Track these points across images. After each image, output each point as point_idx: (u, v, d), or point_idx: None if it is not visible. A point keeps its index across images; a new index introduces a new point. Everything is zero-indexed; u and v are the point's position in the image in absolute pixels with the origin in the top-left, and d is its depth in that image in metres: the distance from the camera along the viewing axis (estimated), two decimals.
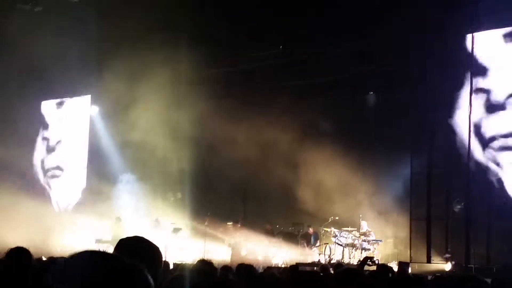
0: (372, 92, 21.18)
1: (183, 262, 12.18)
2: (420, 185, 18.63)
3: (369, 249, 18.83)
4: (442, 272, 16.03)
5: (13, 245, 5.85)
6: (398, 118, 19.25)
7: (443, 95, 18.27)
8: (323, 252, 19.26)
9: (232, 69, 22.50)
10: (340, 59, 20.27)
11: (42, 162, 27.17)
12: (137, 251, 3.14)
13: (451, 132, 18.00)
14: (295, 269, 10.16)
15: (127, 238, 3.31)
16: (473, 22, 17.45)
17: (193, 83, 22.45)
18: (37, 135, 27.55)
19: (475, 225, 17.12)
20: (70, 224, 23.95)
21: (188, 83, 22.69)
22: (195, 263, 6.16)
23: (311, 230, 20.53)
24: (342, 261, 18.25)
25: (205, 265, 5.95)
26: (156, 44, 20.68)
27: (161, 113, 21.98)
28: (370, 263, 10.60)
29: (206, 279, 5.39)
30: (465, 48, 17.87)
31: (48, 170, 26.97)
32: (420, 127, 18.95)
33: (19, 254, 6.17)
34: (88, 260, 2.02)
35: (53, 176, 26.83)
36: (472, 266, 16.19)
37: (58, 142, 26.92)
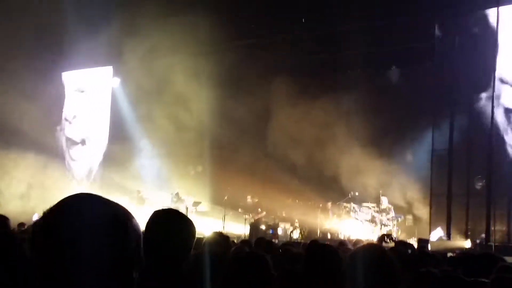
0: (394, 67, 20.95)
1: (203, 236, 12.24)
2: (442, 162, 18.48)
3: (388, 225, 18.80)
4: (462, 249, 15.96)
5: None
6: (420, 94, 19.07)
7: (466, 71, 18.01)
8: (343, 228, 19.28)
9: (254, 41, 22.33)
10: (363, 35, 20.07)
11: (64, 133, 27.31)
12: (171, 223, 3.17)
13: (474, 109, 17.78)
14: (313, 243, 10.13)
15: (163, 210, 3.30)
16: None
17: (214, 53, 22.37)
18: (59, 106, 27.66)
19: (496, 202, 16.98)
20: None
21: (208, 53, 22.59)
22: (211, 235, 6.19)
23: (329, 205, 20.51)
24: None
25: (220, 237, 5.98)
26: (179, 16, 20.53)
27: (183, 85, 21.93)
28: (388, 240, 10.56)
29: (221, 250, 5.43)
30: (489, 24, 17.57)
31: (69, 140, 27.11)
32: (441, 103, 18.75)
33: None
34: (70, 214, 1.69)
35: (74, 147, 26.97)
36: (492, 244, 16.09)
37: (80, 113, 27.01)
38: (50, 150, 25.90)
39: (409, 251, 9.01)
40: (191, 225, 3.22)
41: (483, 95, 17.50)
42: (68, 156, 27.07)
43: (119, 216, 1.75)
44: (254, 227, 20.25)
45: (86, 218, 1.69)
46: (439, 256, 9.77)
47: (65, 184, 24.87)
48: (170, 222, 3.20)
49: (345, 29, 20.03)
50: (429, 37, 18.76)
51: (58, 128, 27.38)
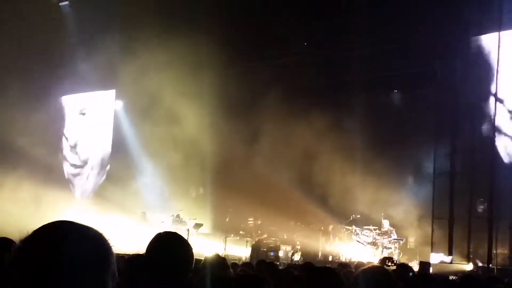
0: (396, 91, 21.05)
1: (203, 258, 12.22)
2: (443, 185, 18.50)
3: (390, 248, 18.76)
4: (464, 272, 15.92)
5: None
6: (421, 117, 19.16)
7: (467, 95, 18.10)
8: (344, 250, 19.23)
9: (258, 66, 22.47)
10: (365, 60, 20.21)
11: (66, 156, 27.39)
12: (173, 247, 3.28)
13: (475, 132, 17.84)
14: (310, 266, 10.14)
15: (164, 232, 3.46)
16: (500, 21, 17.26)
17: (217, 78, 22.51)
18: (61, 129, 27.79)
19: (498, 225, 16.97)
20: (91, 217, 24.19)
21: (212, 77, 22.73)
22: (210, 256, 6.24)
23: (331, 227, 20.48)
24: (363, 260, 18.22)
25: (218, 259, 6.04)
26: (180, 39, 20.67)
27: (184, 108, 22.03)
28: (389, 263, 10.54)
29: (220, 272, 5.49)
30: (490, 48, 17.69)
31: (72, 164, 27.19)
32: (443, 126, 18.82)
33: None
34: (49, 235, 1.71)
35: (77, 170, 27.02)
36: (494, 267, 16.05)
37: (82, 136, 27.10)
38: (52, 170, 25.94)
39: (410, 274, 9.02)
40: (190, 248, 3.35)
41: (485, 118, 17.59)
42: (70, 177, 27.10)
43: (98, 248, 1.75)
44: (255, 249, 20.20)
45: (62, 248, 1.67)
46: (441, 279, 9.77)
47: (67, 204, 24.91)
48: (171, 244, 3.33)
49: (348, 55, 20.19)
50: (431, 62, 18.89)
51: (59, 149, 27.46)
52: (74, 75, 25.29)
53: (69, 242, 1.69)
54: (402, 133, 19.90)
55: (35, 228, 1.75)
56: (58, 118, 27.51)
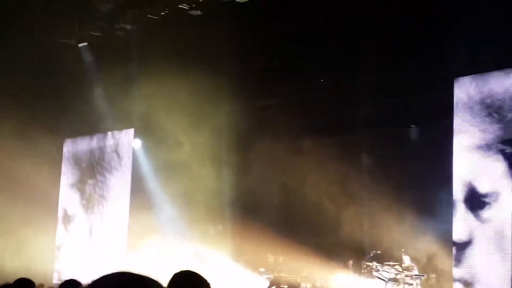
0: (414, 125, 20.94)
1: None
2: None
3: (412, 284, 18.58)
4: None
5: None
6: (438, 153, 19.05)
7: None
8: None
9: (271, 102, 22.57)
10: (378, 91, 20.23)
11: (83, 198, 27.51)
12: (192, 286, 3.27)
13: None
14: None
15: (182, 272, 3.40)
16: None
17: (232, 114, 22.64)
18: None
19: None
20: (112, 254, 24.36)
21: (227, 114, 22.87)
22: None
23: (350, 263, 20.33)
24: None
25: None
26: (196, 77, 20.72)
27: (202, 145, 22.15)
28: None
29: None
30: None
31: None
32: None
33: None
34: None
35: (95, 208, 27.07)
36: None
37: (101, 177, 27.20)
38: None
39: None
40: (209, 286, 3.34)
41: None
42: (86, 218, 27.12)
43: None
44: (273, 284, 20.14)
45: None
46: None
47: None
48: (189, 284, 3.31)
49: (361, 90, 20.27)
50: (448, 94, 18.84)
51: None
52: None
53: None
54: (420, 168, 19.77)
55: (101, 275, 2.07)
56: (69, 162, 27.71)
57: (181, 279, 3.29)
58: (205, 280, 3.30)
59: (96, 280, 2.02)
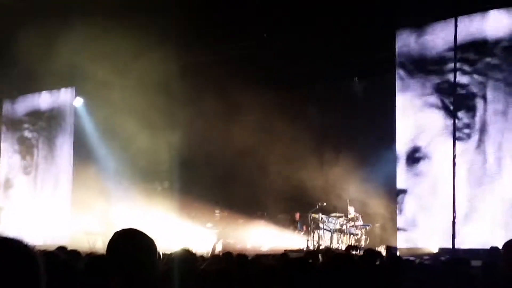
0: (356, 79, 21.13)
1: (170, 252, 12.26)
2: None
3: (357, 234, 18.96)
4: (430, 254, 16.16)
5: None
6: (383, 105, 19.28)
7: None
8: (311, 239, 19.31)
9: (215, 58, 22.35)
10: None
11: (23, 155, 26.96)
12: (133, 244, 3.19)
13: None
14: (285, 256, 10.22)
15: (123, 230, 3.33)
16: None
17: (179, 72, 22.36)
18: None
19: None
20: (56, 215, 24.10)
21: (173, 71, 22.55)
22: (178, 251, 6.17)
23: (297, 215, 20.59)
24: (331, 246, 18.38)
25: (187, 254, 6.00)
26: (141, 34, 20.32)
27: (146, 102, 21.84)
28: (354, 250, 10.65)
29: (188, 267, 5.47)
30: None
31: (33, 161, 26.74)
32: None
33: None
34: None
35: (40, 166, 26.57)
36: (460, 248, 16.25)
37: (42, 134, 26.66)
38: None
39: (378, 259, 9.11)
40: (153, 243, 3.27)
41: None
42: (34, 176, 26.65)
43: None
44: (221, 241, 20.30)
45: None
46: (409, 261, 9.91)
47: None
48: (132, 241, 3.24)
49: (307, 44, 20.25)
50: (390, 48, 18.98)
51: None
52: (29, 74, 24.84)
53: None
54: (364, 120, 20.03)
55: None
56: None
57: (122, 237, 3.21)
58: (148, 237, 3.22)
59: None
